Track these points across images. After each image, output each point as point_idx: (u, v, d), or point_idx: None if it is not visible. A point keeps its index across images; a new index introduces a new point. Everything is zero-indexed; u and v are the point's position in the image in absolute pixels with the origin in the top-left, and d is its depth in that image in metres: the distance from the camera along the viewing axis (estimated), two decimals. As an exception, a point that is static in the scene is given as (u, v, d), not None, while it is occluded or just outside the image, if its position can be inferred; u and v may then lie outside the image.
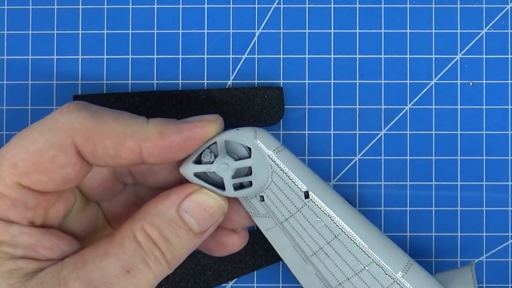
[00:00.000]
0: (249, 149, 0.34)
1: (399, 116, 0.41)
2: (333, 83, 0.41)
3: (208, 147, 0.34)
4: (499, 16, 0.41)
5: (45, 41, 0.41)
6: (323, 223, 0.35)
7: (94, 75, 0.41)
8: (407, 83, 0.41)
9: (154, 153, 0.32)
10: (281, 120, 0.41)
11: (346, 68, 0.41)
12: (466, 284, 0.36)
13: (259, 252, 0.41)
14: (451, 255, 0.41)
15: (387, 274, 0.35)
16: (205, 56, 0.41)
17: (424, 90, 0.41)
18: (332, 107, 0.41)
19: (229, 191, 0.34)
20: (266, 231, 0.36)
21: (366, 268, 0.35)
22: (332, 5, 0.41)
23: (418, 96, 0.41)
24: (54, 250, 0.33)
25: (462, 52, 0.41)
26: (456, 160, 0.41)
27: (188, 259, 0.41)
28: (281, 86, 0.41)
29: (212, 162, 0.34)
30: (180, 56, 0.41)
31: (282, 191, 0.35)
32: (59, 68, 0.41)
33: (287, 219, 0.35)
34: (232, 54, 0.41)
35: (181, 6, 0.42)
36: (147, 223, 0.33)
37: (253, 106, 0.40)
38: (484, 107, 0.41)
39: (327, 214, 0.35)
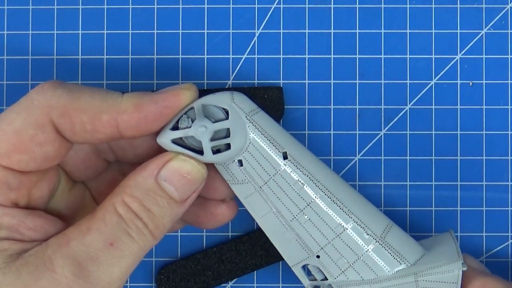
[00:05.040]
0: (227, 112, 0.34)
1: (399, 116, 0.41)
2: (333, 83, 0.41)
3: (185, 113, 0.34)
4: (499, 16, 0.41)
5: (45, 41, 0.41)
6: (302, 185, 0.35)
7: (94, 75, 0.41)
8: (407, 83, 0.41)
9: (131, 125, 0.33)
10: (281, 120, 0.41)
11: (346, 68, 0.41)
12: (448, 244, 0.36)
13: (259, 252, 0.41)
14: (451, 255, 0.41)
15: (368, 235, 0.35)
16: (205, 56, 0.41)
17: (424, 90, 0.41)
18: (332, 107, 0.41)
19: (208, 155, 0.34)
20: (246, 198, 0.36)
21: (347, 229, 0.35)
22: (332, 5, 0.41)
23: (418, 96, 0.41)
24: (38, 231, 0.33)
25: (462, 52, 0.41)
26: (456, 160, 0.41)
27: (188, 259, 0.41)
28: (281, 86, 0.41)
29: (190, 127, 0.34)
30: (180, 56, 0.41)
31: (261, 153, 0.35)
32: (59, 68, 0.41)
33: (266, 183, 0.35)
34: (232, 54, 0.41)
35: (181, 6, 0.42)
36: (127, 195, 0.33)
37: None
38: (484, 107, 0.41)
39: (307, 175, 0.35)
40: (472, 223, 0.41)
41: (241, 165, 0.35)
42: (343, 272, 0.35)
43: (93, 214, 0.33)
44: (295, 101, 0.41)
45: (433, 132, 0.41)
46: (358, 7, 0.41)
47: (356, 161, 0.41)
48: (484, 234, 0.41)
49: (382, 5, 0.41)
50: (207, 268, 0.41)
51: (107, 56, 0.41)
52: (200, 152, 0.34)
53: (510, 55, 0.41)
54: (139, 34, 0.41)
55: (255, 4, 0.41)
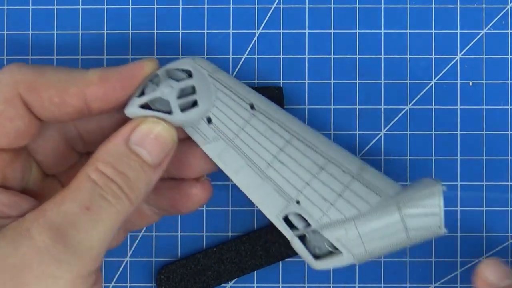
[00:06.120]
0: (190, 74, 0.35)
1: (399, 116, 0.41)
2: (333, 83, 0.41)
3: (150, 81, 0.35)
4: (499, 16, 0.41)
5: (45, 41, 0.41)
6: (273, 131, 0.35)
7: (94, 75, 0.41)
8: (407, 83, 0.41)
9: (98, 96, 0.33)
10: (281, 120, 0.41)
11: (346, 68, 0.41)
12: (427, 181, 0.36)
13: (259, 252, 0.41)
14: (451, 256, 0.41)
15: (345, 172, 0.35)
16: (205, 56, 0.41)
17: (424, 90, 0.41)
18: (332, 107, 0.41)
19: (176, 113, 0.34)
20: (219, 156, 0.36)
21: (324, 169, 0.35)
22: (332, 5, 0.41)
23: (418, 96, 0.41)
24: (13, 207, 0.33)
25: (462, 52, 0.41)
26: (456, 160, 0.41)
27: (188, 259, 0.41)
28: (281, 86, 0.41)
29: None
30: (180, 56, 0.41)
31: (228, 106, 0.35)
32: (59, 68, 0.41)
33: (237, 135, 0.35)
34: (232, 54, 0.41)
35: (181, 6, 0.42)
36: (99, 162, 0.33)
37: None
38: (484, 107, 0.41)
39: (276, 122, 0.35)
40: (472, 223, 0.41)
41: (210, 122, 0.35)
42: (325, 213, 0.35)
43: (67, 186, 0.33)
44: (295, 101, 0.41)
45: (433, 132, 0.41)
46: (358, 7, 0.41)
47: (356, 161, 0.41)
48: (484, 234, 0.41)
49: (382, 5, 0.41)
50: (207, 268, 0.41)
51: (107, 56, 0.41)
52: (169, 113, 0.34)
53: (510, 55, 0.41)
54: (139, 34, 0.41)
55: (255, 4, 0.41)
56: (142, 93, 0.34)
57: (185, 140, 0.36)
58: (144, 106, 0.34)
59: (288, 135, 0.35)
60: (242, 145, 0.36)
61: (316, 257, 0.35)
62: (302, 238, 0.35)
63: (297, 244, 0.35)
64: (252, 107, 0.36)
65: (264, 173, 0.35)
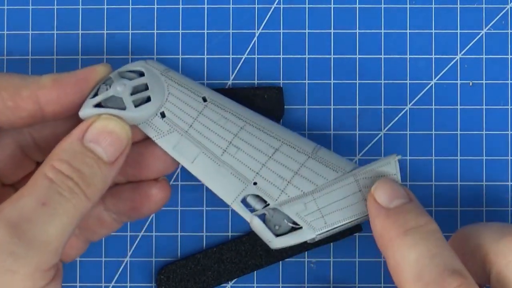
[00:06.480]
0: (142, 73, 0.36)
1: (399, 116, 0.41)
2: (333, 83, 0.41)
3: (104, 83, 0.35)
4: (499, 16, 0.41)
5: (45, 41, 0.41)
6: (226, 119, 0.36)
7: (94, 75, 0.41)
8: (407, 83, 0.41)
9: (52, 99, 0.34)
10: (281, 120, 0.41)
11: (346, 68, 0.41)
12: (388, 165, 0.36)
13: (259, 252, 0.41)
14: (451, 255, 0.41)
15: (300, 152, 0.36)
16: (205, 56, 0.41)
17: (424, 90, 0.41)
18: (332, 107, 0.41)
19: (130, 109, 0.35)
20: (174, 148, 0.36)
21: (278, 150, 0.36)
22: (332, 5, 0.41)
23: (418, 96, 0.41)
24: None
25: (462, 52, 0.41)
26: (456, 160, 0.41)
27: (188, 259, 0.41)
28: (281, 86, 0.41)
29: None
30: (180, 56, 0.41)
31: (181, 100, 0.36)
32: (59, 68, 0.41)
33: (191, 125, 0.36)
34: (232, 54, 0.41)
35: (181, 6, 0.42)
36: (55, 160, 0.33)
37: (253, 106, 0.40)
38: (484, 107, 0.41)
39: (229, 110, 0.36)
40: (472, 223, 0.41)
41: (164, 116, 0.36)
42: (282, 191, 0.35)
43: (24, 186, 0.33)
44: (295, 101, 0.41)
45: (433, 132, 0.41)
46: (358, 7, 0.41)
47: (356, 161, 0.41)
48: (484, 234, 0.41)
49: (382, 5, 0.41)
50: (207, 268, 0.41)
51: (107, 56, 0.41)
52: (123, 109, 0.35)
53: (510, 55, 0.41)
54: (139, 34, 0.41)
55: (255, 4, 0.41)
56: (95, 94, 0.35)
57: (142, 142, 0.37)
58: (98, 106, 0.35)
59: (242, 122, 0.36)
60: (196, 135, 0.36)
61: (277, 236, 0.35)
62: (262, 219, 0.35)
63: (257, 224, 0.35)
64: (204, 99, 0.37)
65: (220, 159, 0.36)
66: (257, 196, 0.36)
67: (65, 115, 0.35)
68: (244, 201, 0.36)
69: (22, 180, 0.37)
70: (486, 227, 0.34)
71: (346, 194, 0.35)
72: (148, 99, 0.36)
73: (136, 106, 0.35)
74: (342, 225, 0.35)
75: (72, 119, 0.35)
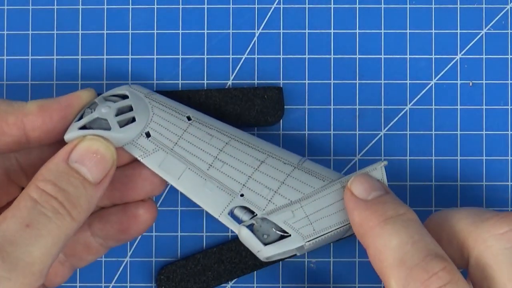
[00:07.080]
0: (126, 97, 0.37)
1: (399, 116, 0.41)
2: (333, 83, 0.41)
3: (89, 107, 0.36)
4: (499, 16, 0.41)
5: (45, 41, 0.41)
6: (211, 135, 0.37)
7: (94, 75, 0.41)
8: (407, 83, 0.41)
9: (37, 125, 0.34)
10: (281, 120, 0.41)
11: (346, 68, 0.41)
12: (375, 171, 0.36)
13: (259, 252, 0.41)
14: (451, 255, 0.41)
15: (286, 163, 0.36)
16: (205, 56, 0.41)
17: (424, 90, 0.41)
18: (332, 107, 0.41)
19: (115, 130, 0.35)
20: (159, 166, 0.36)
21: (264, 162, 0.36)
22: (332, 5, 0.41)
23: (418, 96, 0.41)
24: None
25: (462, 52, 0.41)
26: (456, 160, 0.41)
27: (188, 259, 0.41)
28: (281, 86, 0.41)
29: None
30: (180, 56, 0.41)
31: (166, 119, 0.37)
32: (59, 68, 0.41)
33: (176, 143, 0.37)
34: (232, 54, 0.41)
35: (181, 6, 0.42)
36: (40, 181, 0.33)
37: (253, 106, 0.40)
38: (484, 107, 0.41)
39: (214, 128, 0.37)
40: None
41: (149, 135, 0.36)
42: (269, 201, 0.36)
43: (8, 208, 0.33)
44: (295, 101, 0.41)
45: (433, 132, 0.41)
46: (358, 7, 0.41)
47: (356, 161, 0.41)
48: (484, 234, 0.41)
49: (382, 5, 0.41)
50: (207, 268, 0.41)
51: (107, 56, 0.41)
52: (108, 130, 0.35)
53: (510, 55, 0.41)
54: (139, 34, 0.41)
55: (255, 4, 0.41)
56: (81, 118, 0.35)
57: (128, 164, 0.37)
58: (84, 129, 0.35)
59: (227, 137, 0.37)
60: (182, 152, 0.36)
61: (266, 244, 0.35)
62: (251, 229, 0.35)
63: (245, 233, 0.35)
64: (189, 118, 0.37)
65: (206, 173, 0.36)
66: (245, 208, 0.36)
67: (50, 141, 0.35)
68: (231, 214, 0.36)
69: (6, 206, 0.37)
70: (461, 212, 0.34)
71: (333, 200, 0.35)
72: (133, 120, 0.36)
73: (121, 126, 0.35)
74: (330, 231, 0.35)
75: (58, 144, 0.35)
